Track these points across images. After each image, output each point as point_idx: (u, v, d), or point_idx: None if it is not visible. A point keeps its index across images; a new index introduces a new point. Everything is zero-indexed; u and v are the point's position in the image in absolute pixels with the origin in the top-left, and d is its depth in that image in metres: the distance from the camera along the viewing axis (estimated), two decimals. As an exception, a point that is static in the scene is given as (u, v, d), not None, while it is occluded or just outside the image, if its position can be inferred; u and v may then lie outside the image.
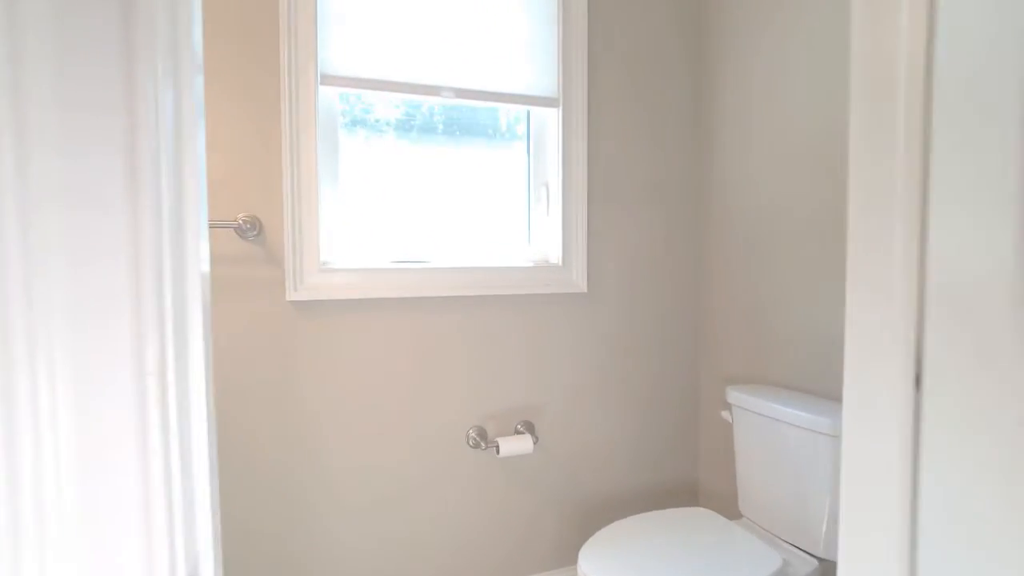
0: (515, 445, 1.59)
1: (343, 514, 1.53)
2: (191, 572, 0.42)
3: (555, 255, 1.73)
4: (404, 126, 1.61)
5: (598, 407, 1.79)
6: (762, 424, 1.41)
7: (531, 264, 1.71)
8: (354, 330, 1.51)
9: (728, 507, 1.74)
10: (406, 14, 1.51)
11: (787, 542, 1.35)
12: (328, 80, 1.46)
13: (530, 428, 1.69)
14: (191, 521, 0.42)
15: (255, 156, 1.41)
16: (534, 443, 1.63)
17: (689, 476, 1.92)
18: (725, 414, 1.56)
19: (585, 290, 1.73)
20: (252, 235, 1.41)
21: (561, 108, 1.68)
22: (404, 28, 1.51)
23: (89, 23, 0.37)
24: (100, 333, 0.38)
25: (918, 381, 0.52)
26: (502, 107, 1.69)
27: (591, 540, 1.33)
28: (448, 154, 1.66)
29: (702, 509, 1.47)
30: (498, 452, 1.57)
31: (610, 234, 1.77)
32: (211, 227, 1.34)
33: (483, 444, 1.61)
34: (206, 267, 0.45)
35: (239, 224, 1.37)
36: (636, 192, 1.80)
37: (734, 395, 1.49)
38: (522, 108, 1.71)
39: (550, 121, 1.73)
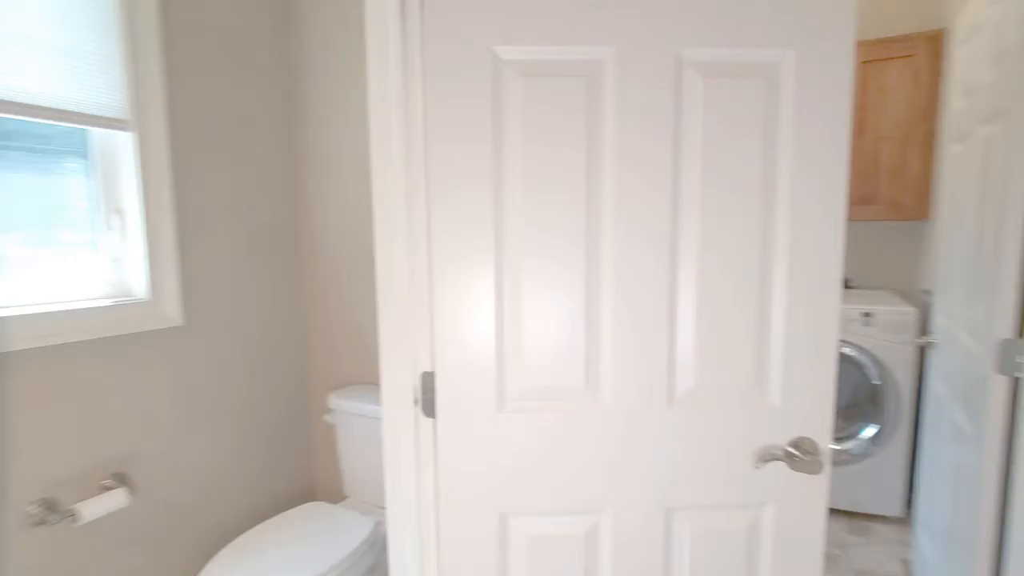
0: (101, 505, 1.44)
1: None
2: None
3: (141, 290, 1.62)
4: None
5: (209, 438, 1.77)
6: (352, 420, 1.75)
7: (111, 303, 1.55)
8: None
9: (340, 495, 2.01)
10: None
11: (382, 507, 1.72)
12: None
13: (122, 480, 1.55)
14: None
15: None
16: (129, 493, 1.50)
17: (305, 478, 2.11)
18: (328, 417, 1.83)
19: (181, 323, 1.68)
20: None
21: (138, 131, 1.57)
22: None
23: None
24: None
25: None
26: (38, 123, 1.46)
27: (211, 562, 1.40)
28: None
29: (315, 503, 1.70)
30: (75, 521, 1.39)
31: (207, 262, 1.76)
32: None
33: (54, 517, 1.38)
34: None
35: None
36: (233, 216, 1.83)
37: (334, 400, 1.79)
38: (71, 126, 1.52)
39: (119, 142, 1.59)
